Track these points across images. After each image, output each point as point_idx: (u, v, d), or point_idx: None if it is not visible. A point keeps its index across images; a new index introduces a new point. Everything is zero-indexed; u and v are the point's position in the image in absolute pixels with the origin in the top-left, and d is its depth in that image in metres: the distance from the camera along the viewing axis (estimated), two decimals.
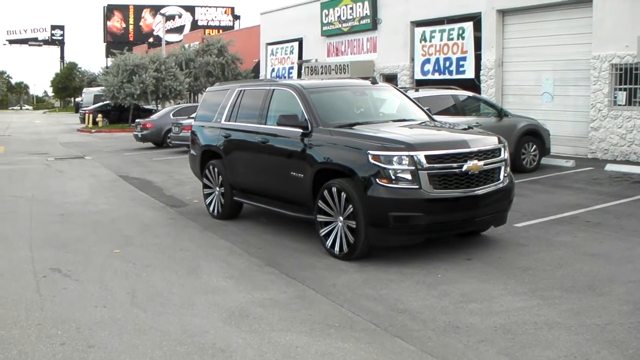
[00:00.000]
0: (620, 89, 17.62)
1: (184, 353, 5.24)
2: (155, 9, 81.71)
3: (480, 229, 8.98)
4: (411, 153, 7.64)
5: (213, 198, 11.06)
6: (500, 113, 15.52)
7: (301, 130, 8.87)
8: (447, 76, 23.20)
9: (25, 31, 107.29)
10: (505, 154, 8.51)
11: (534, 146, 15.78)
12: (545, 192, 12.94)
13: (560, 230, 9.55)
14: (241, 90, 10.75)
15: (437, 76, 23.69)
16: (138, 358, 5.16)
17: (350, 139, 8.25)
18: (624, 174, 15.09)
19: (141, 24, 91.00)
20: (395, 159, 7.64)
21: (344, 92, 9.99)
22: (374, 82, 10.36)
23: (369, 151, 7.78)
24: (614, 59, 17.53)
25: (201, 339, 5.55)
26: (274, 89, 10.00)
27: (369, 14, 27.00)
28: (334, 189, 8.12)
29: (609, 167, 16.04)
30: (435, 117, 10.16)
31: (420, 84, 23.42)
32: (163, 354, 5.21)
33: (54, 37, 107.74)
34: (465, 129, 9.34)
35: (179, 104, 38.17)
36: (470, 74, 22.51)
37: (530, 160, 15.65)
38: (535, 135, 15.87)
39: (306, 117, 8.93)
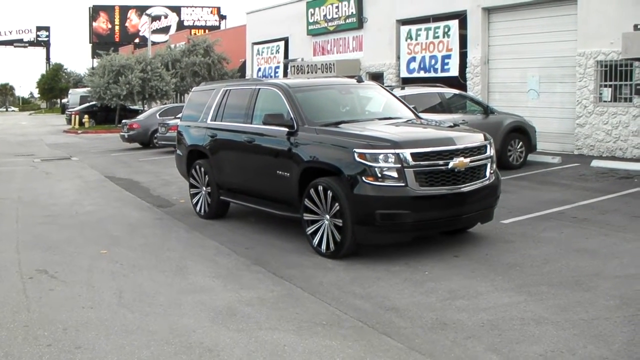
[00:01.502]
0: (605, 86, 17.74)
1: (171, 353, 5.22)
2: (141, 10, 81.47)
3: (467, 226, 8.99)
4: (397, 151, 7.64)
5: (200, 198, 11.03)
6: (487, 110, 15.58)
7: (287, 129, 8.87)
8: (432, 74, 23.26)
9: (11, 32, 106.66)
10: (491, 151, 8.53)
11: (520, 143, 15.84)
12: (531, 188, 13.00)
13: (547, 227, 9.58)
14: (227, 90, 10.73)
15: (422, 74, 23.75)
16: (125, 358, 5.13)
17: (336, 138, 8.25)
18: (609, 170, 15.17)
19: (127, 24, 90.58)
20: (381, 156, 7.64)
21: (330, 90, 9.99)
22: (360, 80, 10.37)
23: (354, 149, 7.78)
24: (599, 56, 17.64)
25: (189, 338, 5.53)
26: (259, 88, 9.99)
27: (354, 12, 27.02)
28: (320, 188, 8.12)
29: (595, 163, 16.13)
30: (422, 115, 10.16)
31: (406, 82, 23.49)
32: (150, 354, 5.19)
33: (39, 39, 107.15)
34: (451, 127, 9.35)
35: (165, 104, 38.02)
36: (455, 72, 22.59)
37: (516, 157, 15.71)
38: (521, 132, 15.93)
39: (292, 115, 8.92)
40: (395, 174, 7.63)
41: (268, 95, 9.73)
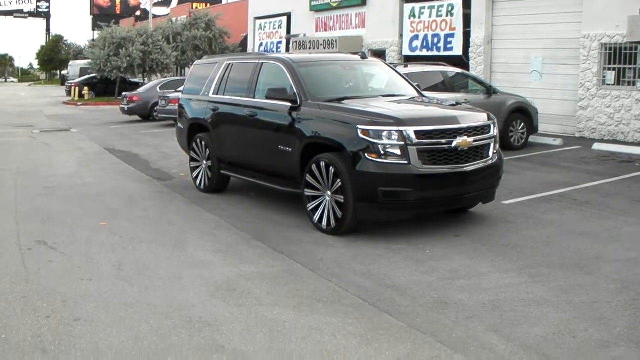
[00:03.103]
0: (609, 69, 17.60)
1: (170, 327, 5.19)
2: None
3: (469, 206, 8.95)
4: (400, 128, 7.58)
5: (200, 171, 10.97)
6: (489, 90, 15.48)
7: (290, 104, 8.79)
8: (435, 53, 23.07)
9: (10, 3, 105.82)
10: (494, 131, 8.48)
11: (522, 124, 15.76)
12: (533, 170, 12.94)
13: (548, 208, 9.54)
14: (229, 64, 10.63)
15: (425, 52, 23.56)
16: (124, 332, 5.10)
17: (339, 114, 8.18)
18: (611, 154, 15.11)
19: None
20: (384, 134, 7.58)
21: (334, 66, 9.90)
22: (364, 57, 10.27)
23: (358, 126, 7.72)
24: (603, 39, 17.48)
25: (188, 312, 5.50)
26: (262, 63, 9.89)
27: None
28: (323, 164, 8.06)
29: (597, 146, 16.06)
30: (425, 93, 10.08)
31: (408, 60, 23.29)
32: (150, 328, 5.16)
33: (39, 10, 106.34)
34: (453, 105, 9.29)
35: (165, 77, 37.83)
36: (458, 51, 22.40)
37: (518, 138, 15.64)
38: (523, 113, 15.85)
39: (295, 90, 8.84)
40: (398, 152, 7.58)
41: (271, 69, 9.63)
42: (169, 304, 5.71)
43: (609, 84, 17.60)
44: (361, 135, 7.65)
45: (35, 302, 5.73)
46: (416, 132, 7.61)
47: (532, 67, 19.82)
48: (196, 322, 5.29)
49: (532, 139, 16.43)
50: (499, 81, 20.21)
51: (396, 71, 10.43)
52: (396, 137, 7.56)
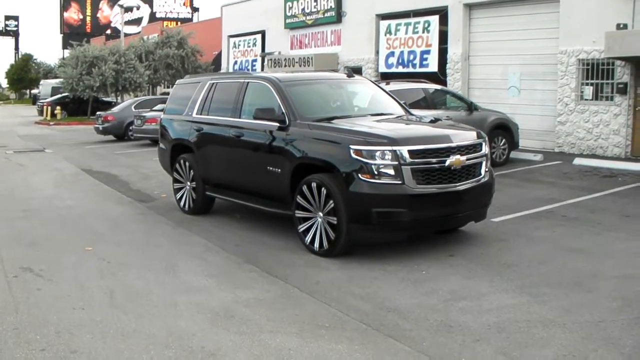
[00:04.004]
0: (587, 84, 17.73)
1: (172, 357, 5.00)
2: (113, 1, 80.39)
3: (460, 225, 8.86)
4: (394, 148, 7.48)
5: (184, 193, 10.77)
6: (470, 107, 15.52)
7: (278, 124, 8.65)
8: (410, 69, 23.15)
9: None
10: (485, 149, 8.42)
11: (504, 140, 15.81)
12: (517, 186, 12.93)
13: (539, 225, 9.51)
14: (213, 83, 10.47)
15: (401, 69, 23.64)
16: None
17: (330, 133, 8.06)
18: (592, 168, 15.20)
19: (98, 15, 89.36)
20: (378, 153, 7.47)
21: (321, 85, 9.80)
22: (350, 75, 10.17)
23: (350, 146, 7.60)
24: (581, 54, 17.64)
25: (189, 342, 5.31)
26: (248, 82, 9.74)
27: (333, 6, 26.84)
28: (314, 184, 7.92)
29: (577, 161, 16.14)
30: (412, 111, 10.01)
31: (384, 77, 23.32)
32: (150, 359, 4.97)
33: (7, 28, 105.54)
34: (433, 121, 9.24)
35: (137, 96, 37.52)
36: (433, 67, 22.50)
37: (499, 154, 15.65)
38: (504, 129, 15.90)
39: (283, 110, 8.70)
40: (392, 172, 7.47)
41: (257, 89, 9.49)
42: (167, 332, 5.51)
43: (587, 99, 17.75)
44: (354, 156, 7.53)
45: (28, 333, 5.50)
46: (410, 152, 7.51)
47: (510, 83, 19.94)
48: (198, 352, 5.10)
49: (513, 154, 16.48)
50: (477, 97, 20.30)
51: (382, 89, 10.34)
52: (390, 157, 7.46)
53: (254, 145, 9.14)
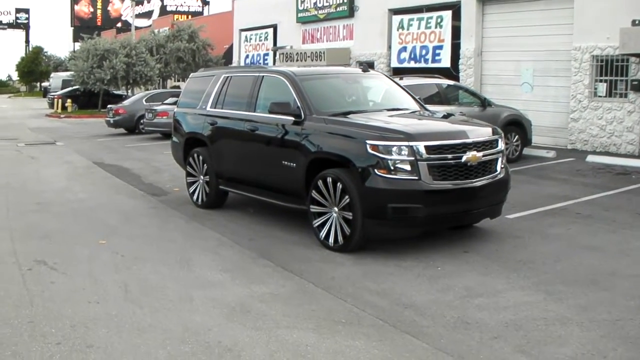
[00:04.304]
0: (600, 81, 17.61)
1: (189, 353, 4.97)
2: None
3: (475, 221, 8.81)
4: (411, 143, 7.43)
5: (197, 187, 10.75)
6: (484, 103, 15.43)
7: (293, 119, 8.61)
8: (422, 65, 23.05)
9: None
10: (501, 145, 8.36)
11: (517, 136, 15.71)
12: (530, 182, 12.85)
13: (553, 222, 9.45)
14: (228, 77, 10.43)
15: (413, 64, 23.53)
16: (141, 359, 4.89)
17: (347, 128, 8.01)
18: (605, 166, 15.10)
19: (109, 8, 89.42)
20: (394, 149, 7.43)
21: (336, 79, 9.76)
22: (365, 70, 10.12)
23: (367, 141, 7.55)
24: (595, 51, 17.51)
25: (205, 337, 5.28)
26: (263, 76, 9.70)
27: (345, 0, 26.74)
28: (329, 179, 7.88)
29: (590, 158, 16.03)
30: (427, 107, 9.96)
31: (396, 72, 23.28)
32: (167, 354, 4.94)
33: (18, 21, 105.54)
34: (445, 117, 9.19)
35: (148, 89, 37.54)
36: (446, 63, 22.39)
37: (512, 151, 15.56)
38: (517, 126, 15.81)
39: (299, 104, 8.65)
40: (408, 167, 7.43)
41: (273, 83, 9.45)
42: (183, 327, 5.49)
43: (600, 96, 17.61)
44: (370, 151, 7.49)
45: (43, 327, 5.48)
46: (426, 147, 7.46)
47: (523, 79, 19.82)
48: (215, 347, 5.07)
49: (526, 151, 16.39)
50: (489, 93, 20.17)
51: (398, 84, 10.28)
52: (406, 153, 7.41)
53: (269, 139, 9.10)
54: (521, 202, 10.64)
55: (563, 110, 18.56)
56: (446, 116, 9.30)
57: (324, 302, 6.20)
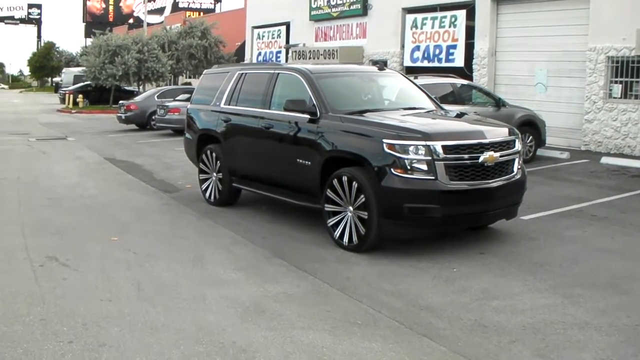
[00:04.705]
0: (615, 82, 17.44)
1: (203, 353, 4.90)
2: None
3: (491, 222, 8.71)
4: (428, 143, 7.34)
5: (210, 184, 10.68)
6: (499, 103, 15.31)
7: (309, 116, 8.53)
8: (436, 64, 22.91)
9: (1, 9, 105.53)
10: (518, 146, 8.26)
11: (531, 137, 15.59)
12: (544, 184, 12.73)
13: (569, 224, 9.34)
14: (242, 74, 10.36)
15: (426, 64, 23.38)
16: (154, 359, 4.81)
17: (363, 127, 7.92)
18: (620, 168, 14.96)
19: (121, 4, 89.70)
20: (411, 148, 7.34)
21: (352, 77, 9.67)
22: (381, 68, 10.05)
23: (383, 140, 7.46)
24: (610, 52, 17.33)
25: (219, 337, 5.21)
26: (278, 73, 9.62)
27: None
28: (345, 178, 7.80)
29: (605, 160, 15.89)
30: (443, 106, 9.87)
31: (409, 71, 23.09)
32: (181, 354, 4.87)
33: (30, 16, 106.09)
34: (458, 115, 9.12)
35: (159, 86, 37.54)
36: (460, 62, 22.24)
37: (526, 151, 15.41)
38: (532, 126, 15.68)
39: (314, 102, 8.57)
40: (425, 167, 7.33)
41: (288, 80, 9.37)
42: (197, 327, 5.42)
43: (615, 97, 17.44)
44: (387, 150, 7.40)
45: (55, 325, 5.41)
46: (443, 147, 7.37)
47: (537, 80, 19.67)
48: (229, 348, 5.00)
49: (539, 152, 16.27)
50: (503, 93, 20.00)
51: (414, 83, 10.18)
52: (423, 152, 7.32)
53: (284, 137, 9.02)
54: (536, 203, 10.52)
55: (577, 111, 18.39)
56: (459, 115, 9.19)
57: (339, 303, 6.11)
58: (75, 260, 7.36)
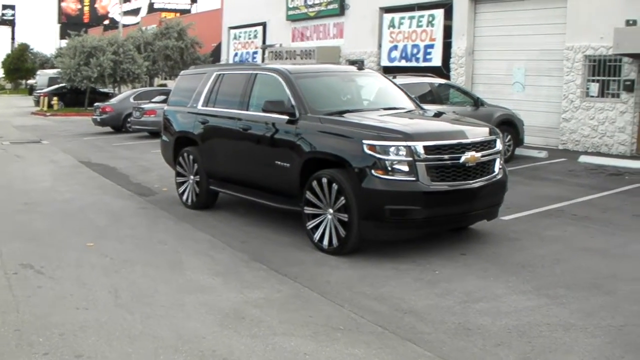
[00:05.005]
0: (593, 81, 17.50)
1: None
2: None
3: (472, 223, 8.65)
4: (409, 143, 7.25)
5: (187, 187, 10.52)
6: (477, 102, 15.27)
7: (287, 117, 8.41)
8: (413, 63, 22.88)
9: None
10: (499, 145, 8.20)
11: (509, 136, 15.56)
12: (523, 183, 12.71)
13: (549, 224, 9.31)
14: (220, 75, 10.21)
15: (403, 63, 23.37)
16: None
17: (343, 128, 7.81)
18: (598, 166, 15.02)
19: (96, 5, 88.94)
20: (392, 149, 7.24)
21: (331, 78, 9.56)
22: (360, 68, 9.95)
23: (363, 140, 7.36)
24: (587, 51, 17.40)
25: (199, 345, 5.07)
26: (256, 74, 9.48)
27: None
28: (324, 180, 7.69)
29: (583, 158, 15.94)
30: (423, 106, 9.79)
31: (387, 71, 23.05)
32: None
33: (4, 17, 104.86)
34: (436, 115, 9.05)
35: (135, 87, 37.19)
36: (437, 62, 22.24)
37: (505, 151, 15.38)
38: (510, 125, 15.66)
39: (293, 103, 8.45)
40: (406, 168, 7.24)
41: (266, 80, 9.24)
42: (176, 335, 5.27)
43: (592, 96, 17.51)
44: (367, 151, 7.30)
45: (30, 335, 5.24)
46: (425, 147, 7.28)
47: (515, 79, 19.71)
48: (209, 356, 4.87)
49: (518, 151, 16.27)
50: (481, 92, 19.97)
51: (394, 83, 10.10)
52: (404, 153, 7.23)
53: (262, 138, 8.89)
54: (516, 203, 10.47)
55: (555, 110, 18.44)
56: (439, 114, 9.12)
57: (321, 308, 6.00)
58: (51, 267, 7.18)
